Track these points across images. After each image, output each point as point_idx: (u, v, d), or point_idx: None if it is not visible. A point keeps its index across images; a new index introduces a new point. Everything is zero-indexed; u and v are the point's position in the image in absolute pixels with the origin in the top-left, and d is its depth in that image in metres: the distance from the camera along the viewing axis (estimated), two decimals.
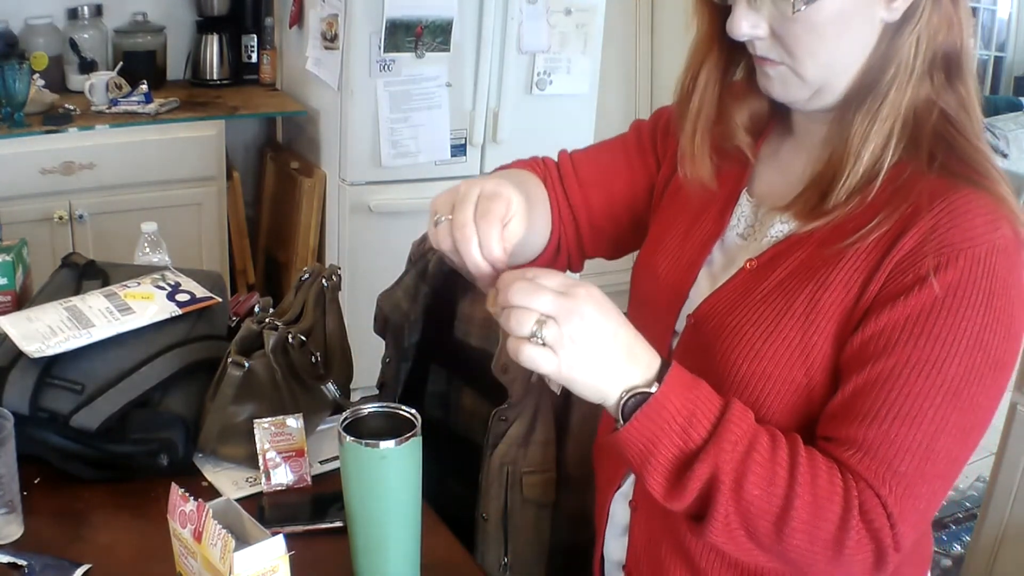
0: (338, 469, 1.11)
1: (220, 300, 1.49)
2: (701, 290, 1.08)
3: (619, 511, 1.19)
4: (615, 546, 1.20)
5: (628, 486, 1.17)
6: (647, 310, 1.14)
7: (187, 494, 0.99)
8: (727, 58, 1.06)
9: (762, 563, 0.99)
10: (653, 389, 0.88)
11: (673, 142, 1.17)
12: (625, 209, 1.23)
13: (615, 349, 0.88)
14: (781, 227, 1.03)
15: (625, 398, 0.89)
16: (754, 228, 1.07)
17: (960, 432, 0.90)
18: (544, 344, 0.86)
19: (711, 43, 1.05)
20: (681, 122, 1.10)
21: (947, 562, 2.68)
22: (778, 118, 1.10)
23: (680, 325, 1.09)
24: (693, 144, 1.09)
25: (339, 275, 1.48)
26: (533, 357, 0.86)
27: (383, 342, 1.61)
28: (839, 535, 0.89)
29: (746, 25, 0.95)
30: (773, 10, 0.94)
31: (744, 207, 1.09)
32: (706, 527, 0.91)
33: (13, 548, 1.15)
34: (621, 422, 0.89)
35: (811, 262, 0.98)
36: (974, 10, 5.71)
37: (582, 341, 0.86)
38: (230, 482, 1.32)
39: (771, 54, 0.97)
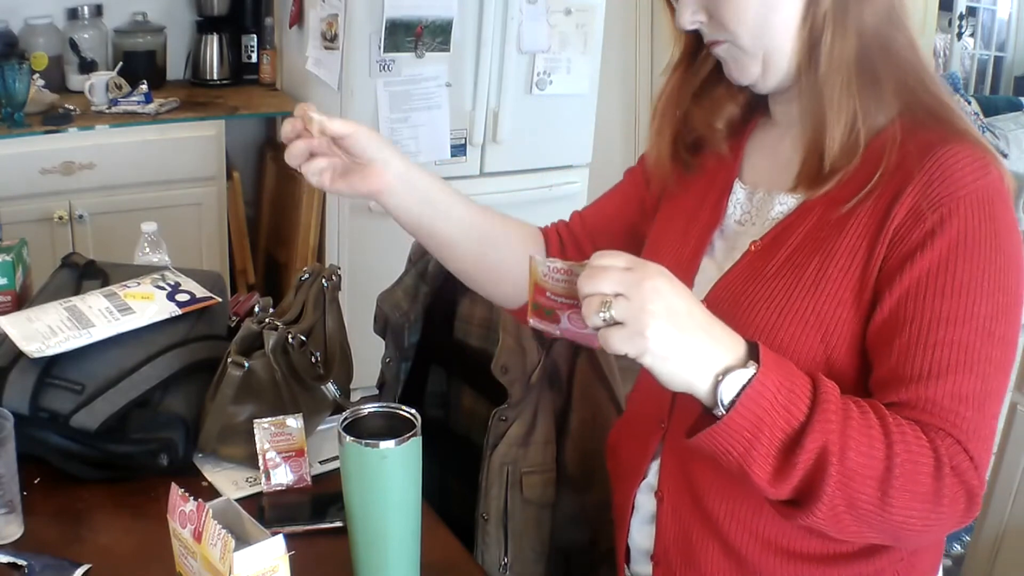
0: (338, 469, 1.11)
1: (220, 300, 1.49)
2: (707, 276, 1.11)
3: (645, 501, 1.18)
4: (642, 535, 1.19)
5: (652, 476, 1.17)
6: None
7: (187, 494, 0.99)
8: (695, 72, 1.13)
9: (857, 538, 0.99)
10: (752, 369, 0.86)
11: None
12: (626, 235, 1.29)
13: (694, 325, 0.86)
14: (781, 207, 1.07)
15: (722, 380, 0.86)
16: (751, 214, 1.11)
17: (1000, 370, 0.95)
18: (616, 323, 0.84)
19: (683, 57, 1.14)
20: (653, 122, 1.18)
21: (947, 562, 2.68)
22: (760, 112, 1.15)
23: None
24: (660, 138, 1.17)
25: (339, 275, 1.48)
26: (608, 341, 0.85)
27: (383, 342, 1.61)
28: (936, 486, 0.90)
29: (687, 14, 1.03)
30: None
31: (739, 194, 1.13)
32: (811, 506, 0.89)
33: (13, 548, 1.15)
34: (721, 409, 0.86)
35: (815, 234, 1.02)
36: (973, 10, 5.71)
37: (658, 312, 0.84)
38: (230, 482, 1.32)
39: (716, 35, 1.04)
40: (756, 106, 1.15)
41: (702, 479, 1.08)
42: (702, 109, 1.14)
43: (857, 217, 0.98)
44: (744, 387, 0.86)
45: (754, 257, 1.06)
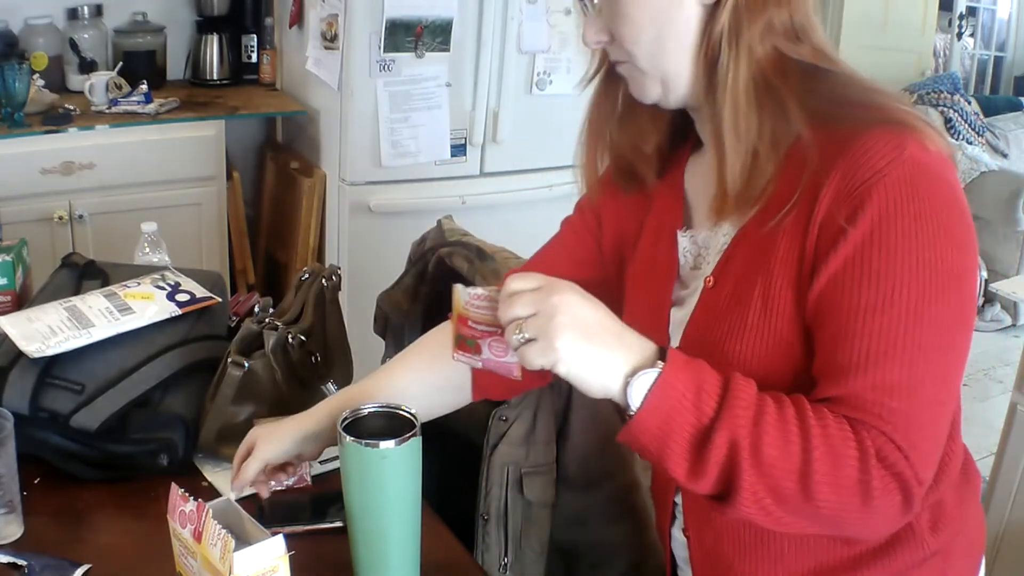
0: (338, 469, 1.11)
1: (220, 300, 1.49)
2: (676, 325, 1.10)
3: (680, 515, 1.19)
4: (680, 544, 1.20)
5: (680, 504, 1.17)
6: None
7: (187, 494, 0.99)
8: (612, 91, 1.11)
9: (800, 530, 0.98)
10: (658, 367, 0.89)
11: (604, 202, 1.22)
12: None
13: (603, 332, 0.90)
14: (724, 239, 1.05)
15: (631, 381, 0.89)
16: (701, 255, 1.09)
17: (937, 353, 0.91)
18: (530, 340, 0.89)
19: (597, 72, 1.11)
20: (582, 152, 1.16)
21: None
22: (690, 144, 1.13)
23: None
24: (588, 170, 1.16)
25: (339, 275, 1.48)
26: (526, 357, 0.90)
27: (383, 342, 1.61)
28: (863, 478, 0.89)
29: (591, 33, 1.03)
30: (603, 13, 1.01)
31: (683, 243, 1.11)
32: (735, 500, 0.90)
33: (13, 548, 1.15)
34: (631, 408, 0.90)
35: (752, 256, 1.00)
36: (973, 10, 5.71)
37: (565, 324, 0.88)
38: (230, 482, 1.32)
39: (617, 55, 1.03)
40: (685, 130, 1.12)
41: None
42: (627, 134, 1.12)
43: (785, 229, 0.97)
44: (651, 386, 0.89)
45: (709, 294, 1.05)
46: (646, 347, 0.91)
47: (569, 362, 0.89)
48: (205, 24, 3.33)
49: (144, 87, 2.96)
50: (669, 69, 1.00)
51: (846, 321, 0.92)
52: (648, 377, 0.89)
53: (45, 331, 1.33)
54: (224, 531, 0.93)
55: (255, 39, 3.41)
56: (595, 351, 0.89)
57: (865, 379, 0.91)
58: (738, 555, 1.09)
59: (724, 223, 1.04)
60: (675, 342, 1.09)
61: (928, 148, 0.92)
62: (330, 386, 1.39)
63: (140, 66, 3.14)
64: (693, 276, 1.10)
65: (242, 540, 0.98)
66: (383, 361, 1.60)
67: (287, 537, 0.97)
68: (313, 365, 1.38)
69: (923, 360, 0.90)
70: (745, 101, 0.96)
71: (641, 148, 1.12)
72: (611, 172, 1.16)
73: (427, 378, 1.25)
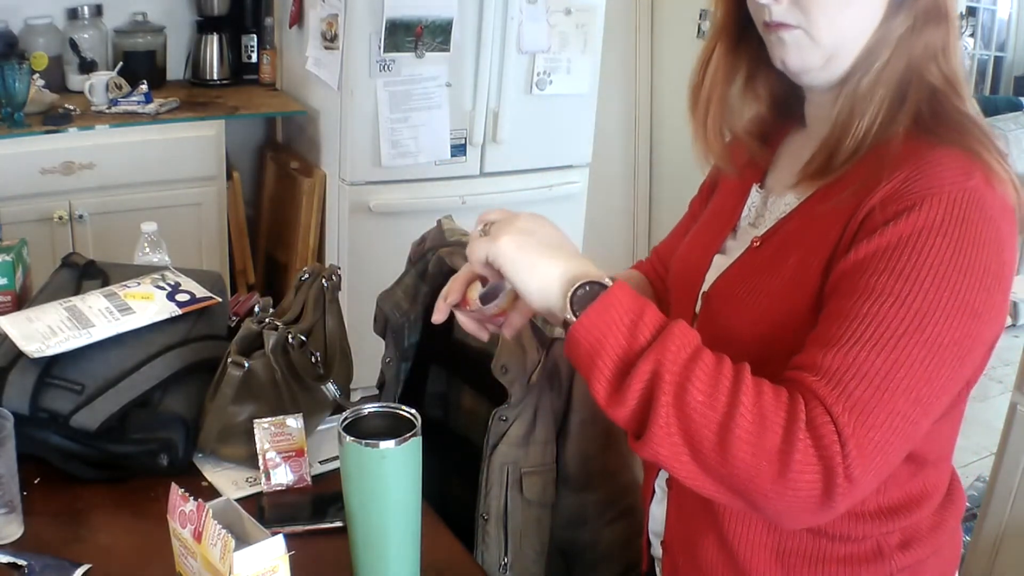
0: (338, 469, 1.11)
1: (220, 300, 1.49)
2: (715, 272, 1.13)
3: (661, 488, 1.21)
4: (657, 520, 1.22)
5: None
6: (673, 296, 1.23)
7: (187, 494, 0.99)
8: (738, 45, 1.11)
9: (712, 493, 0.93)
10: (607, 282, 0.92)
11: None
12: None
13: (547, 245, 0.96)
14: (785, 207, 1.08)
15: (575, 286, 0.93)
16: (763, 216, 1.13)
17: (923, 370, 0.89)
18: (487, 236, 0.97)
19: (725, 27, 1.11)
20: (694, 105, 1.15)
21: None
22: (794, 119, 1.15)
23: (699, 307, 1.15)
24: (705, 127, 1.14)
25: (339, 275, 1.48)
26: (480, 248, 0.97)
27: (383, 342, 1.61)
28: (784, 447, 0.86)
29: None
30: None
31: (754, 198, 1.16)
32: (647, 434, 0.89)
33: (13, 548, 1.15)
34: (570, 314, 0.92)
35: (800, 228, 1.03)
36: (973, 10, 5.72)
37: (511, 232, 0.95)
38: (230, 482, 1.32)
39: (788, 18, 1.01)
40: (787, 113, 1.15)
41: None
42: (733, 114, 1.14)
43: (835, 211, 0.99)
44: (595, 301, 0.91)
45: (752, 252, 1.08)
46: (589, 268, 0.95)
47: (507, 257, 0.95)
48: (205, 24, 3.34)
49: (144, 87, 2.96)
50: (843, 50, 1.01)
51: (852, 302, 0.92)
52: (592, 289, 0.92)
53: (45, 331, 1.33)
54: (224, 531, 0.93)
55: (255, 39, 3.42)
56: (533, 256, 0.95)
57: (844, 356, 0.90)
58: (714, 517, 1.09)
59: (789, 193, 1.08)
60: (706, 286, 1.13)
61: (994, 187, 0.93)
62: (330, 386, 1.39)
63: (140, 66, 3.14)
64: (747, 232, 1.14)
65: (242, 540, 0.98)
66: (383, 361, 1.60)
67: (287, 537, 0.98)
68: (313, 365, 1.38)
69: (906, 368, 0.89)
70: (884, 89, 0.99)
71: (735, 127, 1.15)
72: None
73: None
